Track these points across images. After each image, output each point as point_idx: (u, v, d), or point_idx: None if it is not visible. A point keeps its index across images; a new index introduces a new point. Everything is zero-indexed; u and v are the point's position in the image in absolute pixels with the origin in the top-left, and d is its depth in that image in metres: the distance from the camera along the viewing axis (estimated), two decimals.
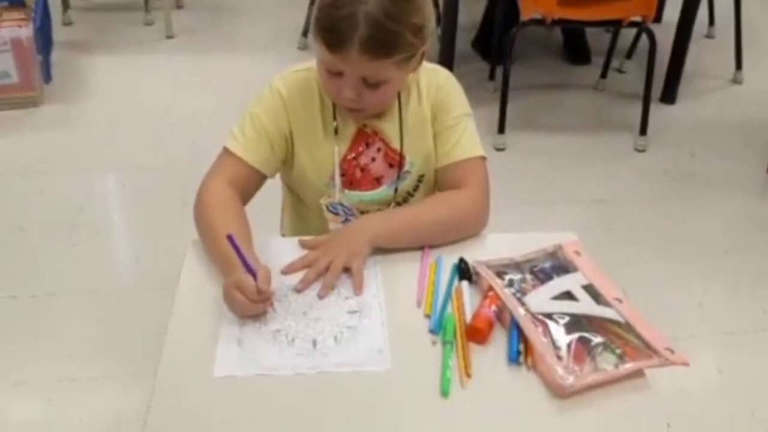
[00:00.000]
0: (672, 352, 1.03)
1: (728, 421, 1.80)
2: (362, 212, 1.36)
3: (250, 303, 1.06)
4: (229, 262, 1.09)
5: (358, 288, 1.14)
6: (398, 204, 1.37)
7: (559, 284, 1.13)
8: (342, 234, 1.24)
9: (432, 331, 1.08)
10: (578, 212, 2.50)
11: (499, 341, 1.07)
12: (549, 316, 1.07)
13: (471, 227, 1.28)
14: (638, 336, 1.05)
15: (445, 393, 0.98)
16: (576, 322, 1.06)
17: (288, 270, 1.18)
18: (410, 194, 1.38)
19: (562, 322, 1.06)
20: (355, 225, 1.27)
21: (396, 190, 1.35)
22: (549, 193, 2.60)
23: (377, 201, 1.36)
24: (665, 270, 2.27)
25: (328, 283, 1.14)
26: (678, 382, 1.77)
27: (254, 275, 1.06)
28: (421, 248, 1.23)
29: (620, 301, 1.11)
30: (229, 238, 1.07)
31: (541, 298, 1.10)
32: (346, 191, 1.34)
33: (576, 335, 1.04)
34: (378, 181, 1.35)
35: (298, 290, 1.14)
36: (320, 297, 1.13)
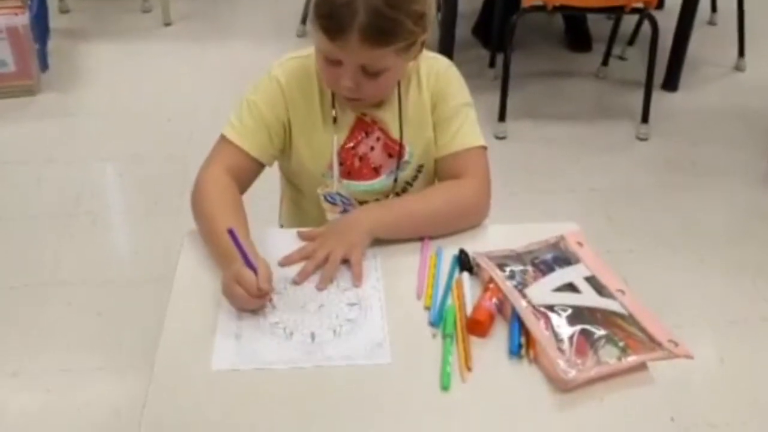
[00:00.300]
0: (675, 344, 1.02)
1: (731, 411, 1.79)
2: (360, 202, 1.34)
3: (250, 297, 1.05)
4: (228, 254, 1.08)
5: (357, 279, 1.13)
6: (397, 194, 1.36)
7: (561, 276, 1.12)
8: (340, 225, 1.22)
9: (432, 324, 1.06)
10: (579, 201, 2.48)
11: (500, 334, 1.05)
12: (551, 308, 1.05)
13: (471, 218, 1.26)
14: (641, 328, 1.03)
15: (445, 387, 0.97)
16: (578, 315, 1.05)
17: (286, 262, 1.16)
18: (409, 184, 1.36)
19: (564, 314, 1.04)
20: (353, 215, 1.25)
21: (395, 180, 1.33)
22: (550, 182, 2.58)
23: (376, 191, 1.34)
24: (666, 259, 2.25)
25: (326, 275, 1.13)
26: (680, 372, 1.76)
27: (255, 271, 1.04)
28: (421, 239, 1.21)
29: (623, 292, 1.10)
30: (230, 232, 1.05)
31: (542, 290, 1.09)
32: (344, 181, 1.32)
33: (578, 328, 1.02)
34: (376, 171, 1.33)
35: (296, 282, 1.13)
36: (319, 289, 1.12)
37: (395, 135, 1.31)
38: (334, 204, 1.35)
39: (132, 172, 2.60)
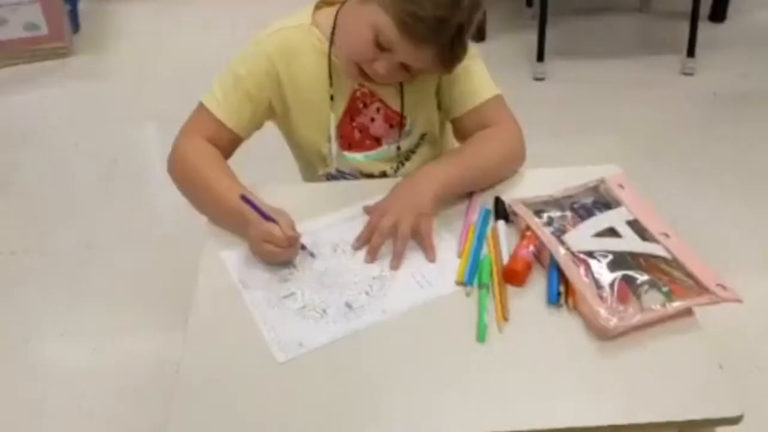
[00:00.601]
0: (724, 288, 0.97)
1: None
2: (365, 175, 1.30)
3: (282, 250, 1.04)
4: (242, 216, 1.07)
5: (429, 252, 1.07)
6: (401, 163, 1.31)
7: (601, 221, 1.08)
8: (405, 190, 1.14)
9: (467, 282, 1.02)
10: (622, 141, 2.40)
11: (538, 283, 1.02)
12: (591, 254, 1.01)
13: (517, 162, 1.23)
14: (687, 273, 0.99)
15: (481, 339, 0.94)
16: (620, 260, 1.01)
17: (358, 245, 1.10)
18: (412, 152, 1.31)
19: (604, 260, 1.00)
20: (417, 179, 1.15)
21: (398, 148, 1.29)
22: (591, 123, 2.49)
23: (378, 160, 1.30)
24: (715, 199, 2.17)
25: (398, 251, 1.07)
26: (730, 317, 1.70)
27: (276, 223, 1.03)
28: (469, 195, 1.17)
29: (668, 236, 1.05)
30: (243, 197, 1.05)
31: (581, 235, 1.05)
32: (345, 153, 1.28)
33: (620, 274, 0.99)
34: (378, 141, 1.29)
35: (354, 248, 1.09)
36: (393, 268, 1.06)
37: (395, 106, 1.25)
38: (338, 181, 1.31)
39: (167, 131, 2.57)
